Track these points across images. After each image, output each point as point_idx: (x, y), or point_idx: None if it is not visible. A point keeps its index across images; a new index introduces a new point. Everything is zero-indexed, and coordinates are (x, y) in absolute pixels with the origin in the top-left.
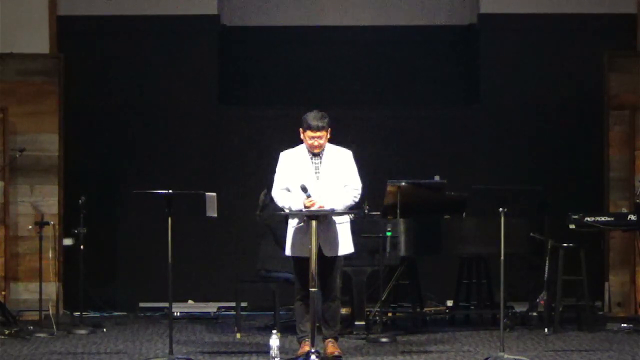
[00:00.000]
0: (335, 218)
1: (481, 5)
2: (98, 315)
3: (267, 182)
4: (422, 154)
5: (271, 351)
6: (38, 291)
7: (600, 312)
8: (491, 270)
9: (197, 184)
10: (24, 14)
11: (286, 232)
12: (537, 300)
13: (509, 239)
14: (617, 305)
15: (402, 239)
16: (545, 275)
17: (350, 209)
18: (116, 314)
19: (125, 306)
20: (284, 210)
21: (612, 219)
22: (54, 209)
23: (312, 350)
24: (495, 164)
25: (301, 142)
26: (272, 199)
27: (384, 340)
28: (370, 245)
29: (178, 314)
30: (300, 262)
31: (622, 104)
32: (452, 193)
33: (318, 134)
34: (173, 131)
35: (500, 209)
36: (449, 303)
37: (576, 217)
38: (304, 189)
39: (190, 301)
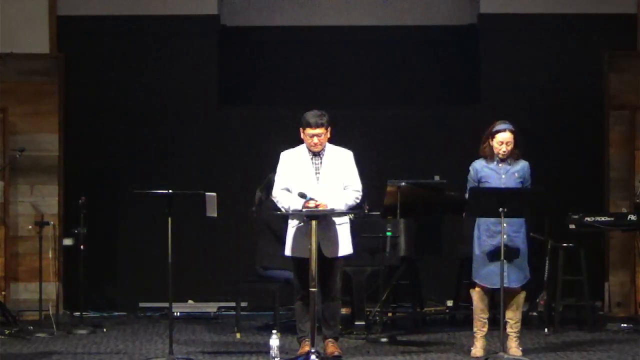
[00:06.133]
0: (335, 219)
1: (481, 5)
2: (98, 315)
3: (265, 179)
4: (422, 154)
5: (271, 351)
6: (38, 291)
7: (600, 312)
8: None
9: (197, 184)
10: (24, 14)
11: (285, 229)
12: (537, 300)
13: None
14: (617, 305)
15: (402, 239)
16: (545, 275)
17: (350, 209)
18: (116, 314)
19: (125, 306)
20: (282, 210)
21: (612, 219)
22: (54, 209)
23: (312, 350)
24: None
25: (302, 142)
26: (267, 196)
27: (384, 340)
28: (370, 245)
29: (178, 314)
30: (300, 263)
31: (622, 104)
32: (452, 193)
33: (317, 130)
34: (173, 131)
35: (500, 209)
36: (449, 303)
37: (576, 217)
38: (303, 196)
39: (190, 301)
